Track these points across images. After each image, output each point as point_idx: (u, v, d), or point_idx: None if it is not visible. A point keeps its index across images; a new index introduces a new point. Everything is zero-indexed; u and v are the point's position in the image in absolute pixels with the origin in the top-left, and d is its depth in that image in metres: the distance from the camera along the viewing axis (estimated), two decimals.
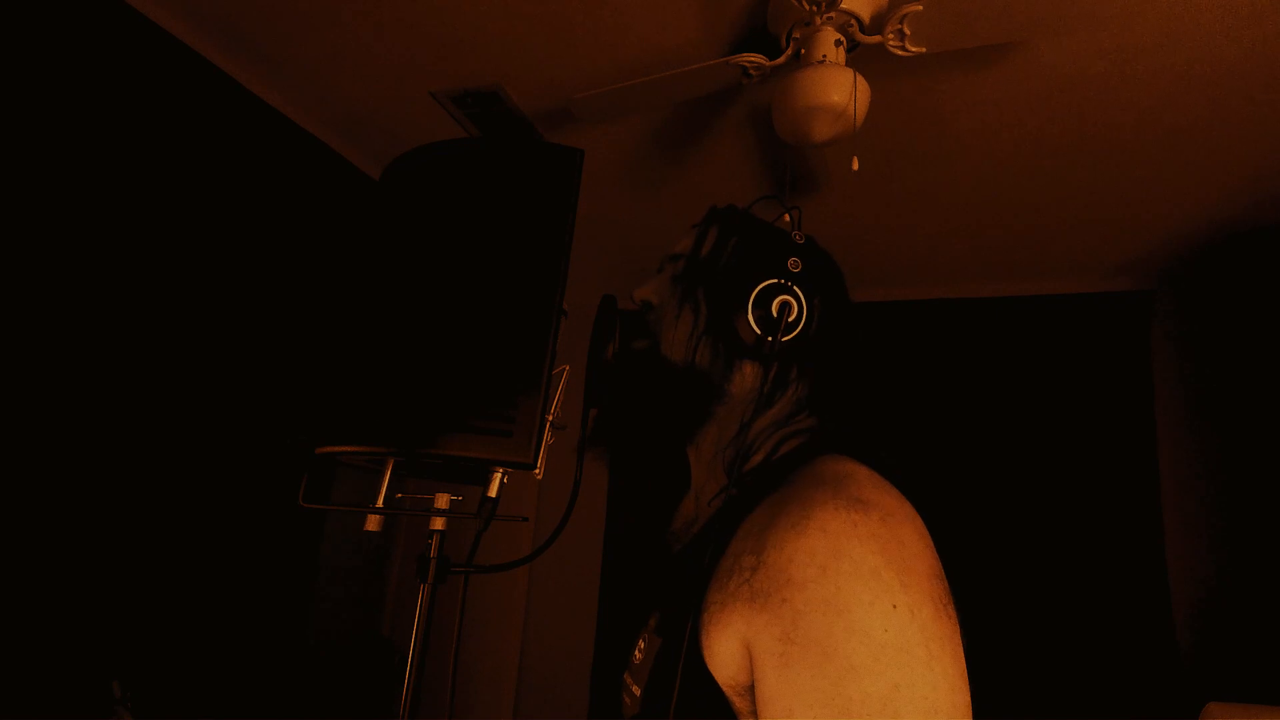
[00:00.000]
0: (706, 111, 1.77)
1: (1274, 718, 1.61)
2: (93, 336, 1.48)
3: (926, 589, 0.48)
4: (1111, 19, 1.33)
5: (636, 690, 0.61)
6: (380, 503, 0.55)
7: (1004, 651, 2.26)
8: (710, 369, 0.67)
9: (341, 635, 2.65)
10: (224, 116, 1.73)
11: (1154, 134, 1.71)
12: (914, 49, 1.32)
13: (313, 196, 2.00)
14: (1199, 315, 2.40)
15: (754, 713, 0.50)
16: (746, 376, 0.67)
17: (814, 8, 1.31)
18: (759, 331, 0.64)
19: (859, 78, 1.31)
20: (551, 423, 0.54)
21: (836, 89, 1.30)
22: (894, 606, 0.46)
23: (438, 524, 0.58)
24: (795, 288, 0.65)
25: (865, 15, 1.33)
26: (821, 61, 1.32)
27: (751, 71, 1.42)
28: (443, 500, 0.57)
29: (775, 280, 0.65)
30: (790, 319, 0.64)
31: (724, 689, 0.52)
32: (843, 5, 1.30)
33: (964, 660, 0.48)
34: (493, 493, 0.55)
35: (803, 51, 1.37)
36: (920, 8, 1.25)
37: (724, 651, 0.51)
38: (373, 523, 0.55)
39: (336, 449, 0.55)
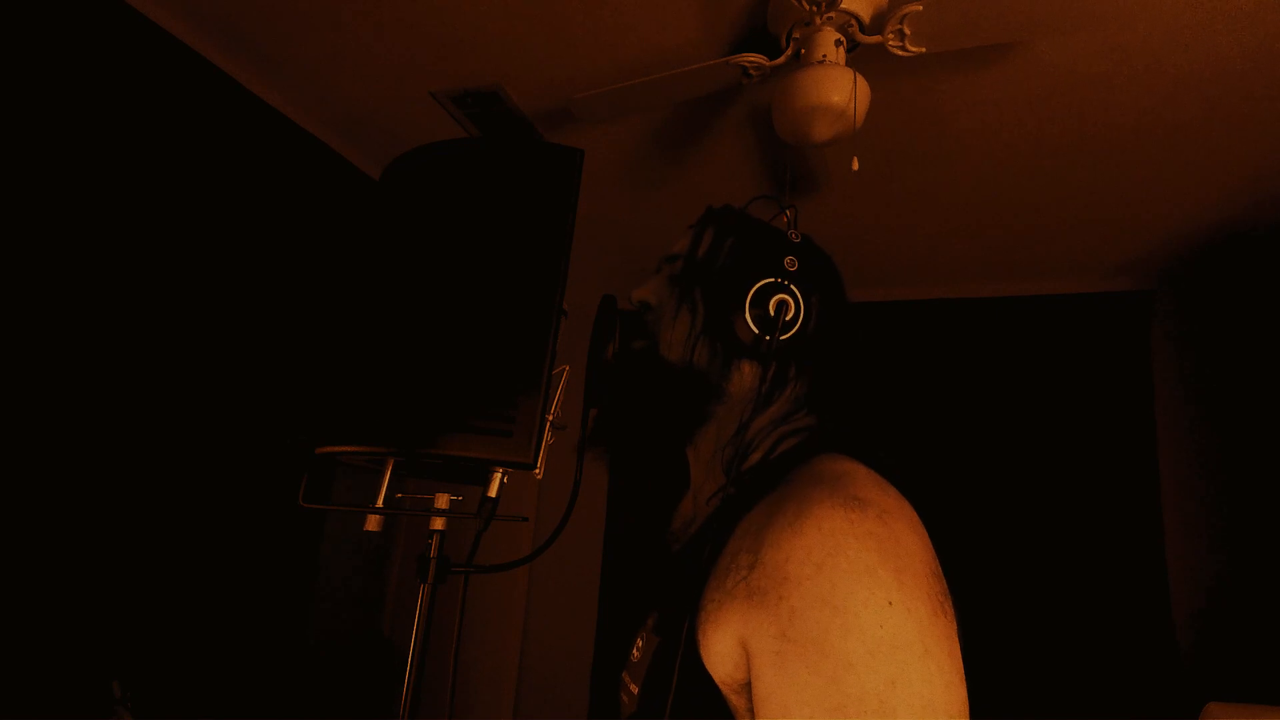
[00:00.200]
0: (706, 111, 1.77)
1: (1274, 718, 1.61)
2: (93, 336, 1.48)
3: (923, 587, 0.48)
4: (1111, 19, 1.33)
5: (634, 689, 0.61)
6: (380, 503, 0.55)
7: (1003, 651, 2.26)
8: (708, 369, 0.67)
9: (341, 635, 2.65)
10: (224, 116, 1.73)
11: (1154, 134, 1.71)
12: (914, 49, 1.32)
13: (313, 196, 2.00)
14: (1199, 315, 2.40)
15: (751, 710, 0.50)
16: (745, 376, 0.67)
17: (814, 8, 1.31)
18: (757, 331, 0.64)
19: (859, 78, 1.31)
20: (551, 423, 0.54)
21: (836, 89, 1.30)
22: (890, 604, 0.46)
23: (438, 524, 0.58)
24: (792, 286, 0.65)
25: (865, 15, 1.33)
26: (821, 61, 1.32)
27: (751, 71, 1.43)
28: (443, 500, 0.57)
29: (772, 279, 0.65)
30: (788, 317, 0.64)
31: (721, 687, 0.52)
32: (843, 5, 1.31)
33: (961, 658, 0.48)
34: (493, 493, 0.55)
35: (803, 51, 1.37)
36: (920, 8, 1.25)
37: (721, 649, 0.51)
38: (373, 523, 0.55)
39: (336, 449, 0.55)
